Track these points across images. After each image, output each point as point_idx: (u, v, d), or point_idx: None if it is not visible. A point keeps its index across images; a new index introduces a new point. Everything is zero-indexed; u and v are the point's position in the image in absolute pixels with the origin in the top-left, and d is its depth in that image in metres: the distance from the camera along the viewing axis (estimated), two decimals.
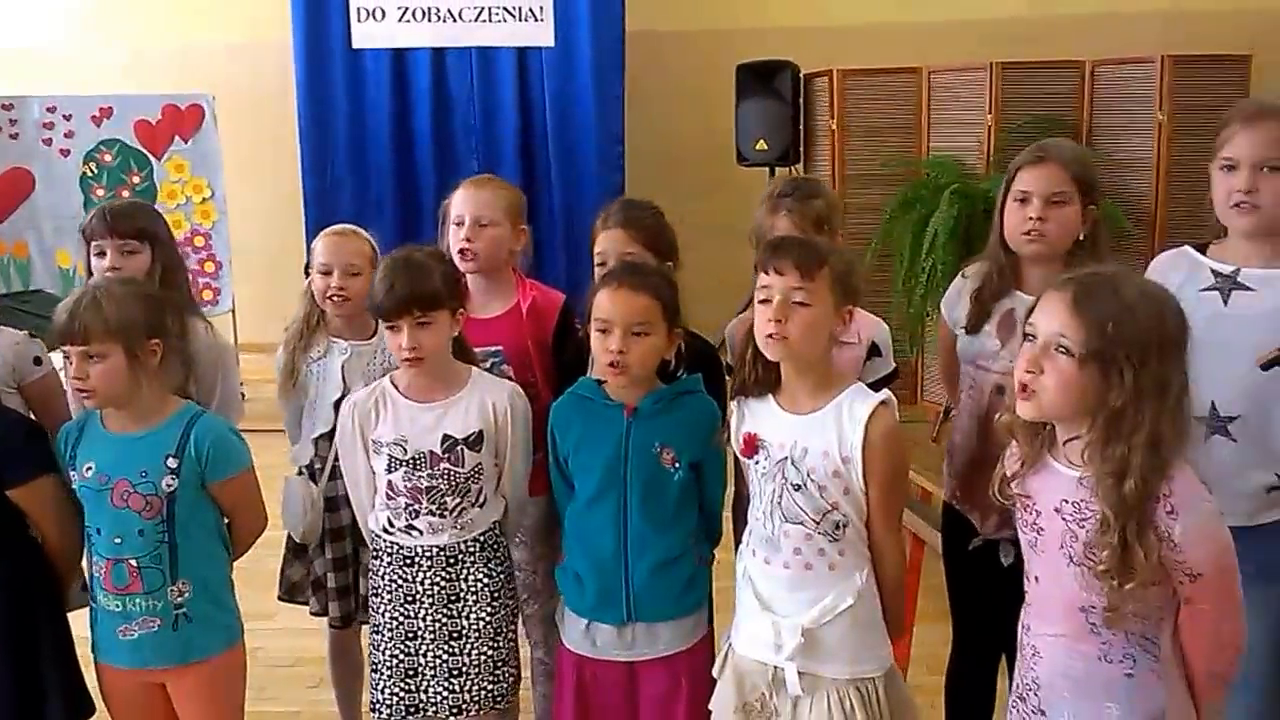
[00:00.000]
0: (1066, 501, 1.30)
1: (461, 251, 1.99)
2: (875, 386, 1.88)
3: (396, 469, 1.77)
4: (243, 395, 4.32)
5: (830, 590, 1.54)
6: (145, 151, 4.70)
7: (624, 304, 1.63)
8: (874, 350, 1.94)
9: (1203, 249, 1.70)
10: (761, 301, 1.52)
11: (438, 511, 1.77)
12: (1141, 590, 1.26)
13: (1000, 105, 4.37)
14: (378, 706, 1.82)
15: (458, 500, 1.78)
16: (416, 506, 1.77)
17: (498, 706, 1.82)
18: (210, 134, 4.72)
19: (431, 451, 1.75)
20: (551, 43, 4.78)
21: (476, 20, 4.74)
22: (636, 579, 1.69)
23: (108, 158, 4.72)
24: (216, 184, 4.76)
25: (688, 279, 2.17)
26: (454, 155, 4.92)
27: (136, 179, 4.74)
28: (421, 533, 1.79)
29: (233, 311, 4.85)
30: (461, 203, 2.02)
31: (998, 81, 4.36)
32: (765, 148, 4.88)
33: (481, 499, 1.80)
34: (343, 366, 2.01)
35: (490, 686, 1.80)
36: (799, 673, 1.53)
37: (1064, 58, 4.44)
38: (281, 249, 4.64)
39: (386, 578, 1.81)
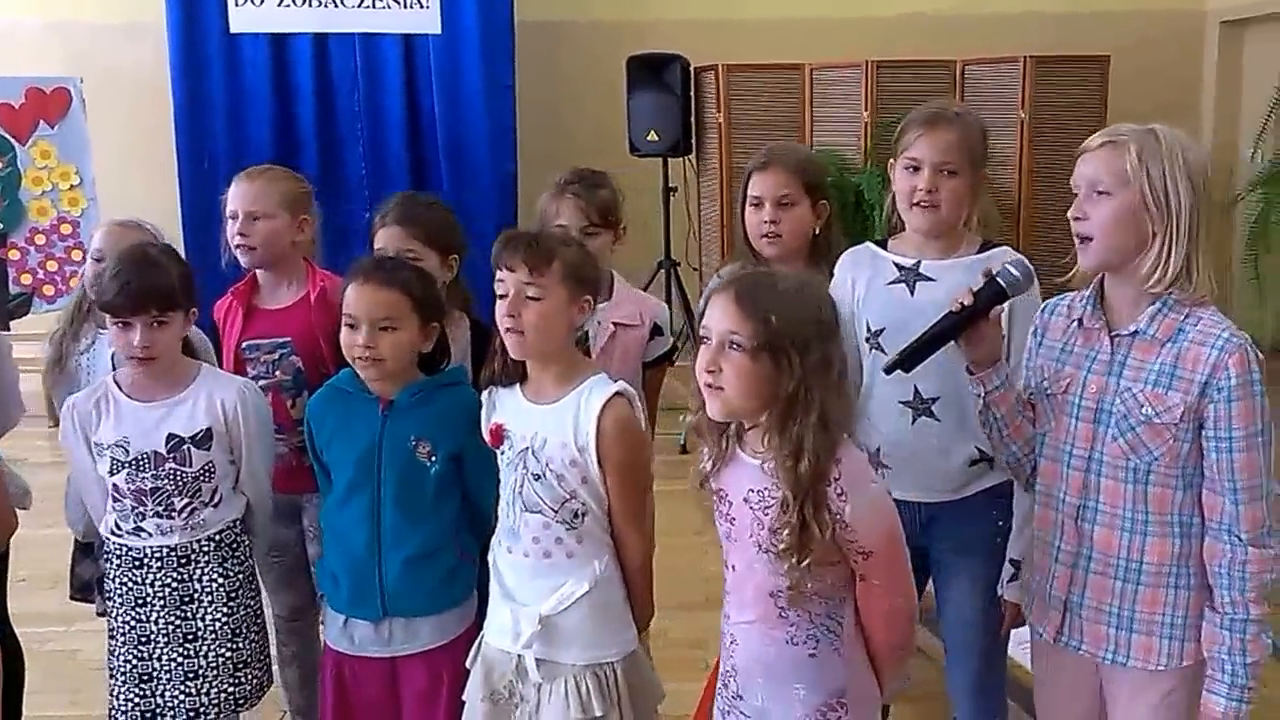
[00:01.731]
0: (753, 490, 1.34)
1: (237, 246, 1.97)
2: (658, 362, 2.03)
3: (119, 471, 1.72)
4: None
5: (568, 577, 1.55)
6: (8, 136, 4.52)
7: (368, 299, 1.63)
8: (656, 330, 2.00)
9: (883, 244, 1.78)
10: (500, 296, 1.53)
11: (165, 513, 1.73)
12: (821, 569, 1.31)
13: (876, 102, 4.45)
14: (114, 713, 1.78)
15: (186, 500, 1.73)
16: (142, 509, 1.73)
17: (240, 709, 1.78)
18: (78, 118, 4.55)
19: (155, 452, 1.71)
20: (438, 30, 4.69)
21: (359, 6, 4.64)
22: (390, 573, 1.67)
23: None
24: (85, 170, 4.60)
25: None
26: (338, 144, 4.80)
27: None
28: (150, 534, 1.74)
29: None
30: (234, 197, 1.99)
31: (873, 79, 4.44)
32: (656, 139, 4.90)
33: (215, 498, 1.76)
34: (113, 357, 1.94)
35: (231, 689, 1.77)
36: (538, 659, 1.55)
37: (937, 57, 4.53)
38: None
39: (117, 581, 1.77)
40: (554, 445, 1.54)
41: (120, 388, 1.76)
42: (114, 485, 1.74)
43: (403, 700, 1.72)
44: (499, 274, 1.53)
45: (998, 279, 1.46)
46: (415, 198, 2.02)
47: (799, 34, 4.95)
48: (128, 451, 1.72)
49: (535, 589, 1.57)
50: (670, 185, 4.96)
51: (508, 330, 1.52)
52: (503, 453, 1.59)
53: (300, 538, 2.04)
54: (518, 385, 1.60)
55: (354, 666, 1.72)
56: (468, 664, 1.65)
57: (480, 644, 1.64)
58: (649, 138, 4.90)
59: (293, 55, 4.70)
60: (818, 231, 1.91)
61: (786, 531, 1.28)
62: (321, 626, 2.11)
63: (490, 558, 1.64)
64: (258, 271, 2.02)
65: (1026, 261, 1.49)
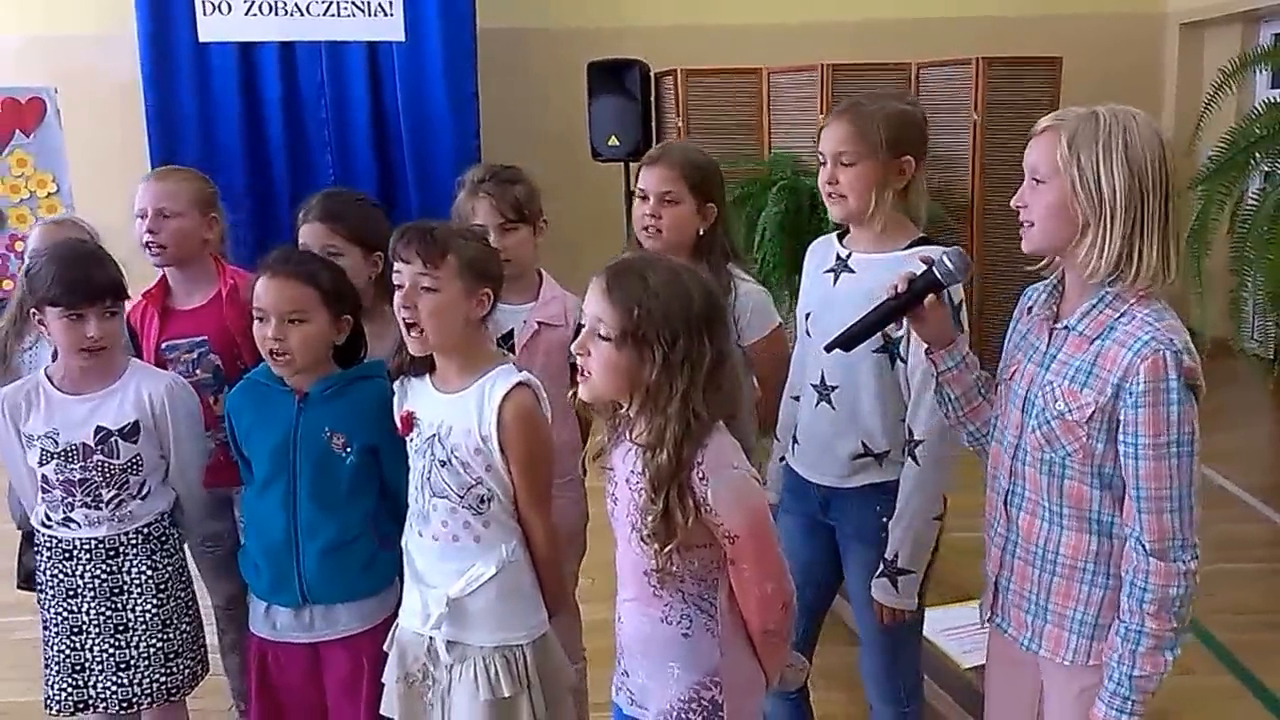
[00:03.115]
0: (633, 472, 1.37)
1: (146, 244, 2.01)
2: None
3: (48, 462, 1.77)
4: None
5: (476, 561, 1.59)
6: None
7: (275, 292, 1.66)
8: (579, 331, 2.02)
9: (843, 236, 1.81)
10: (396, 288, 1.58)
11: (93, 504, 1.77)
12: (690, 552, 1.33)
13: (832, 105, 4.53)
14: (48, 701, 1.83)
15: (114, 492, 1.78)
16: (70, 499, 1.78)
17: (171, 699, 1.83)
18: (53, 127, 4.65)
19: (84, 444, 1.76)
20: (402, 37, 4.79)
21: (325, 14, 4.73)
22: (308, 561, 1.72)
23: None
24: (62, 178, 4.70)
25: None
26: (307, 150, 4.88)
27: None
28: (79, 525, 1.79)
29: None
30: (142, 195, 2.02)
31: (829, 82, 4.53)
32: (617, 143, 4.98)
33: (143, 491, 1.81)
34: (56, 353, 2.02)
35: (163, 679, 1.81)
36: (448, 641, 1.59)
37: (892, 60, 4.62)
38: (134, 244, 4.59)
39: (49, 572, 1.82)
40: (459, 433, 1.58)
41: (52, 381, 1.80)
42: (43, 476, 1.79)
43: (326, 685, 1.77)
44: (395, 266, 1.57)
45: (933, 269, 1.47)
46: (340, 194, 2.03)
47: (757, 39, 5.04)
48: (57, 443, 1.76)
49: (444, 572, 1.60)
50: (631, 189, 5.05)
51: (405, 322, 1.56)
52: (411, 439, 1.64)
53: (233, 529, 2.08)
54: (428, 374, 1.64)
55: (276, 652, 1.77)
56: (385, 647, 1.69)
57: (395, 627, 1.68)
58: (610, 142, 4.99)
59: (260, 63, 4.80)
60: (702, 232, 1.91)
61: (651, 518, 1.30)
62: None
63: (402, 542, 1.68)
64: (168, 273, 2.07)
65: (965, 254, 1.50)
